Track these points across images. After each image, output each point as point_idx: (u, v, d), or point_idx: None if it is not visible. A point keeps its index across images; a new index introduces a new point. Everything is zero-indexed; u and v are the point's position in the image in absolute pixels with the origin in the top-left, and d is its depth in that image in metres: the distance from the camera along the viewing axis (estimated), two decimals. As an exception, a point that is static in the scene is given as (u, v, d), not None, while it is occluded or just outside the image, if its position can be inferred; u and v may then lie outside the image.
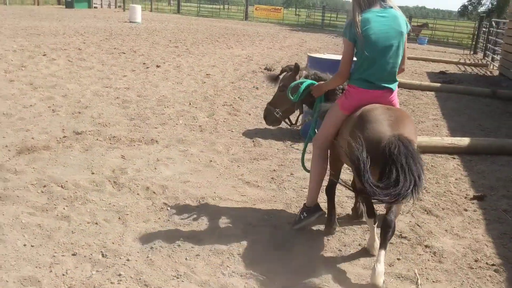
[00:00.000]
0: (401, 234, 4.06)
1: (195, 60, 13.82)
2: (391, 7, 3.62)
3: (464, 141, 6.50)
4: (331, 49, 20.44)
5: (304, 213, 4.03)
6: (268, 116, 4.35)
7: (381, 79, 3.59)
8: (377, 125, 3.27)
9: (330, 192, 4.08)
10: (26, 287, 3.06)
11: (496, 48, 18.56)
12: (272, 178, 5.22)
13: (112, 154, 5.55)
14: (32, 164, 5.04)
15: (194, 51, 15.82)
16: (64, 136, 6.00)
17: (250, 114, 7.98)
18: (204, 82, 10.49)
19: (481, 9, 39.84)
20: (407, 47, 3.95)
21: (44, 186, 4.46)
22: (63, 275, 3.20)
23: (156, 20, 31.86)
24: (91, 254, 3.44)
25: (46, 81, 9.20)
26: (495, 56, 18.36)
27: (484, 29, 24.46)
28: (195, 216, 4.17)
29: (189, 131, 6.74)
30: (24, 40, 14.94)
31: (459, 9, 42.77)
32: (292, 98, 4.09)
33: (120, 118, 7.08)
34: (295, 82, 4.11)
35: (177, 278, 3.26)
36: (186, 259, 3.48)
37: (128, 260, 3.41)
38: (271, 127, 5.38)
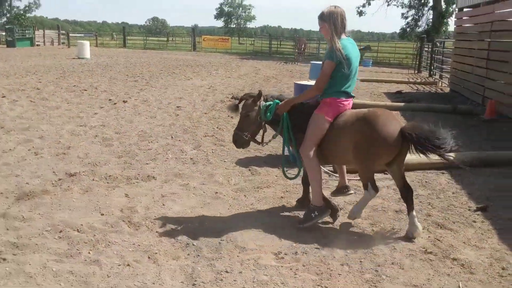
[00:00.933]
0: (426, 250, 4.18)
1: (159, 93, 13.74)
2: (349, 36, 4.57)
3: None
4: (285, 75, 20.96)
5: (316, 212, 4.58)
6: (238, 140, 4.88)
7: (351, 91, 4.57)
8: (392, 122, 4.28)
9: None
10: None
11: (443, 66, 19.57)
12: (283, 205, 5.25)
13: (115, 194, 5.42)
14: (36, 210, 4.84)
15: (155, 84, 15.74)
16: (59, 179, 5.80)
17: (235, 144, 8.00)
18: (177, 115, 10.45)
19: (418, 30, 41.92)
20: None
21: (60, 232, 4.29)
22: (114, 322, 3.09)
23: (104, 55, 31.47)
24: (135, 297, 3.34)
25: (17, 123, 8.89)
26: (443, 74, 19.35)
27: (426, 48, 25.76)
28: (223, 249, 4.12)
29: (182, 165, 6.68)
30: (-24, 82, 14.40)
31: (399, 32, 44.96)
32: (265, 117, 4.77)
33: (108, 157, 6.92)
34: (265, 104, 4.79)
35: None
36: (233, 293, 3.44)
37: (175, 300, 3.33)
38: (240, 149, 6.07)
